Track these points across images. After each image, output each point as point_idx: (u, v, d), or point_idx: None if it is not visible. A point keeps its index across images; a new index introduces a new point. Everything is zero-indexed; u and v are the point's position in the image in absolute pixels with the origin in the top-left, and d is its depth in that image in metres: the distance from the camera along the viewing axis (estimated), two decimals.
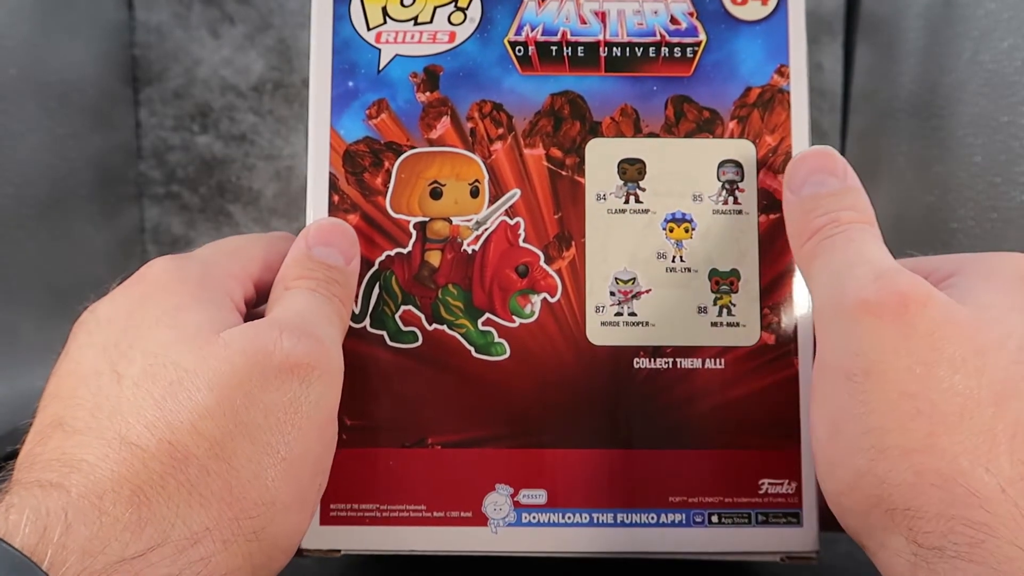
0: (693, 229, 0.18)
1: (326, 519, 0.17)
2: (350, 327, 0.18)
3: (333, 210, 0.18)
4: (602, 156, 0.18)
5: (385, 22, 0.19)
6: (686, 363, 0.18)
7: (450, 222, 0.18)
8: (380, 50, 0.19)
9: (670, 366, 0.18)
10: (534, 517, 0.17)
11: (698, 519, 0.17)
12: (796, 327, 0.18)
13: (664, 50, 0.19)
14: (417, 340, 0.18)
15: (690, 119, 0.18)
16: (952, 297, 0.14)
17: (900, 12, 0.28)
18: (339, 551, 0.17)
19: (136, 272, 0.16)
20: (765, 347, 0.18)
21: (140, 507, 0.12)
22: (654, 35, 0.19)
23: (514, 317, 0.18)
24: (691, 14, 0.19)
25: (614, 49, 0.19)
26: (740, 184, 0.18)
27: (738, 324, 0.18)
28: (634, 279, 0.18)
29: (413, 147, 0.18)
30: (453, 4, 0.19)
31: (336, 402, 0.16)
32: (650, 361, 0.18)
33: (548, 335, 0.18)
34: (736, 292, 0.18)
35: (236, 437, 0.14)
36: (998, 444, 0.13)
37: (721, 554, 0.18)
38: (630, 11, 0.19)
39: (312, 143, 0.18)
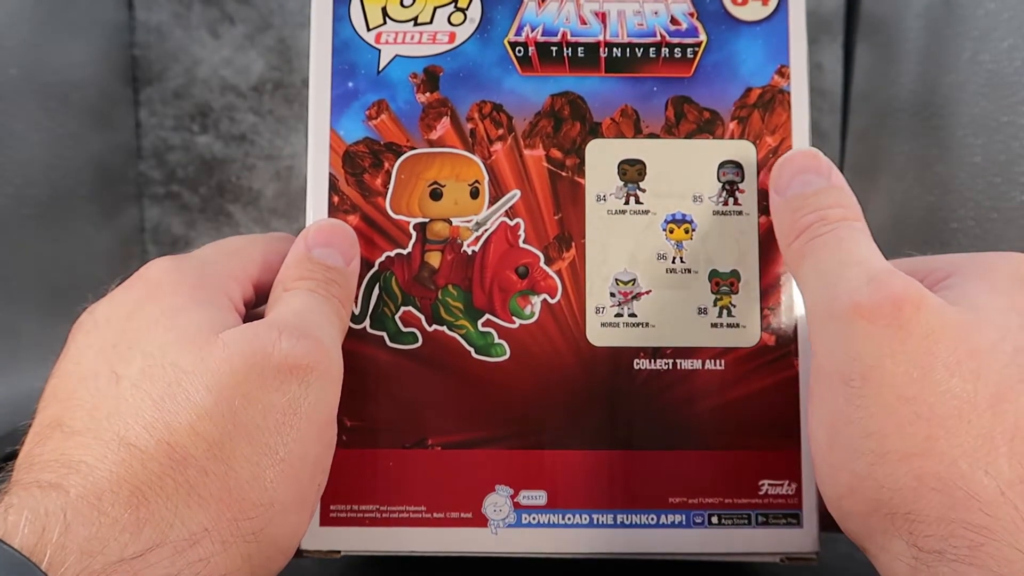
0: (693, 230, 0.18)
1: (326, 520, 0.17)
2: (350, 328, 0.18)
3: (333, 211, 0.18)
4: (602, 157, 0.18)
5: (385, 23, 0.19)
6: (686, 364, 0.18)
7: (450, 223, 0.18)
8: (380, 51, 0.19)
9: (670, 367, 0.18)
10: (534, 518, 0.17)
11: (698, 520, 0.17)
12: (796, 328, 0.18)
13: (664, 51, 0.18)
14: (417, 341, 0.18)
15: (690, 120, 0.18)
16: (948, 298, 0.14)
17: (900, 12, 0.28)
18: (339, 552, 0.17)
19: (135, 273, 0.16)
20: (765, 348, 0.18)
21: (139, 508, 0.12)
22: (654, 36, 0.19)
23: (514, 318, 0.18)
24: (691, 15, 0.19)
25: (614, 50, 0.18)
26: (740, 185, 0.18)
27: (738, 325, 0.18)
28: (634, 280, 0.18)
29: (413, 148, 0.18)
30: (453, 5, 0.19)
31: (335, 403, 0.16)
32: (650, 362, 0.18)
33: (548, 336, 0.18)
34: (736, 293, 0.18)
35: (235, 438, 0.14)
36: (997, 447, 0.13)
37: (721, 555, 0.18)
38: (630, 12, 0.19)
39: (312, 144, 0.18)
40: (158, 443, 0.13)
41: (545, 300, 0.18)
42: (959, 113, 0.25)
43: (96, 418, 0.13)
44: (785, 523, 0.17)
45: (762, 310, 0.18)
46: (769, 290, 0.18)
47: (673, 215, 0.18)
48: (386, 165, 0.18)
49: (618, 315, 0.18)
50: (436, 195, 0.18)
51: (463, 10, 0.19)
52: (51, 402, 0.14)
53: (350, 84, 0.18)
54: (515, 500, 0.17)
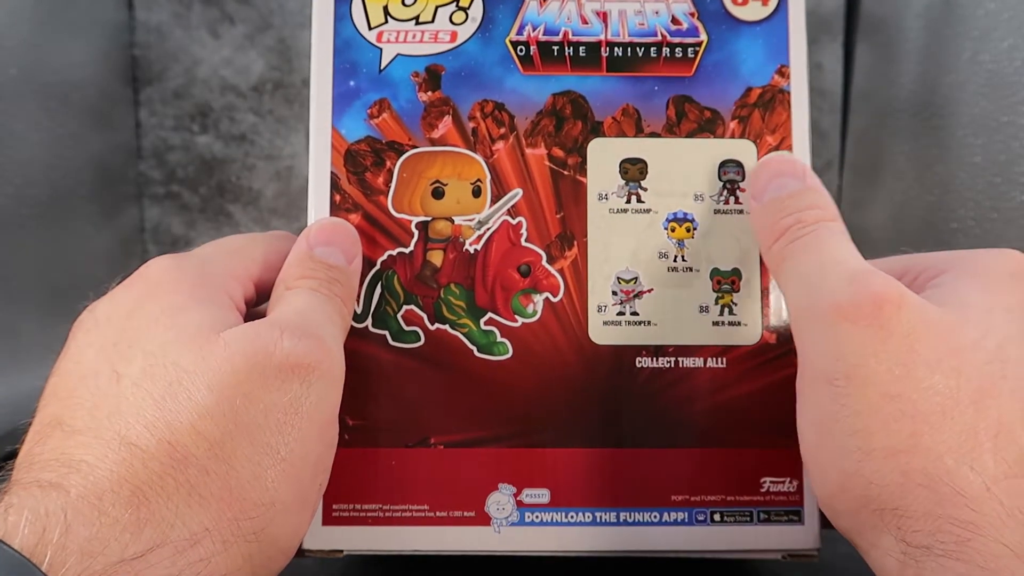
0: (694, 229, 0.18)
1: (328, 519, 0.17)
2: (352, 327, 0.18)
3: (335, 210, 0.18)
4: (604, 156, 0.18)
5: (386, 21, 0.19)
6: (688, 362, 0.18)
7: (452, 222, 0.18)
8: (381, 49, 0.19)
9: (672, 365, 0.18)
10: (537, 516, 0.17)
11: (700, 517, 0.17)
12: None
13: (665, 50, 0.19)
14: (419, 340, 0.18)
15: (691, 119, 0.18)
16: (935, 296, 0.14)
17: (900, 12, 0.28)
18: (342, 551, 0.17)
19: (135, 271, 0.16)
20: (766, 346, 0.18)
21: (139, 508, 0.12)
22: (655, 35, 0.19)
23: (516, 317, 0.18)
24: (692, 14, 0.19)
25: (615, 49, 0.19)
26: (741, 184, 0.18)
27: (740, 323, 0.18)
28: (636, 278, 0.18)
29: (415, 147, 0.18)
30: (455, 3, 0.19)
31: (337, 402, 0.16)
32: (652, 360, 0.18)
33: (550, 335, 0.18)
34: (737, 291, 0.18)
35: (236, 437, 0.13)
36: (981, 443, 0.13)
37: (723, 552, 0.18)
38: (631, 11, 0.19)
39: (313, 143, 0.18)
40: (159, 442, 0.13)
41: (547, 299, 0.18)
42: (959, 113, 0.25)
43: (97, 417, 0.13)
44: (786, 520, 0.17)
45: (763, 308, 0.18)
46: (770, 288, 0.18)
47: (674, 214, 0.18)
48: (388, 164, 0.18)
49: (620, 313, 0.18)
50: (438, 194, 0.18)
51: (465, 9, 0.19)
52: (51, 401, 0.14)
53: (352, 83, 0.18)
54: (518, 498, 0.17)
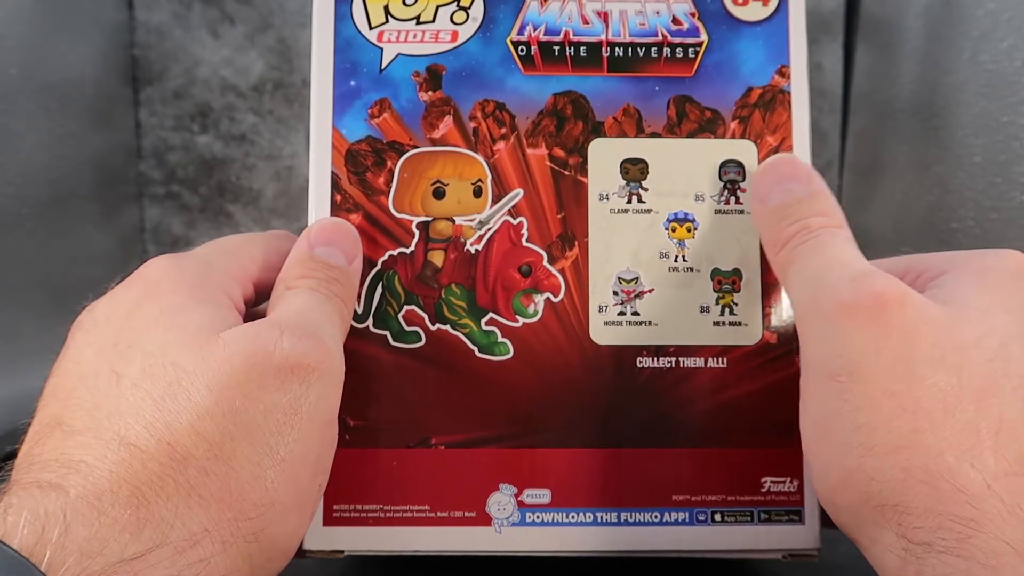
0: (695, 229, 0.18)
1: (329, 520, 0.17)
2: (353, 327, 0.18)
3: (335, 210, 0.18)
4: (605, 156, 0.18)
5: (387, 21, 0.19)
6: (688, 362, 0.18)
7: (453, 222, 0.18)
8: (382, 49, 0.19)
9: (673, 365, 0.18)
10: (538, 516, 0.17)
11: (701, 517, 0.17)
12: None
13: (666, 50, 0.19)
14: (420, 340, 0.18)
15: (692, 119, 0.18)
16: (937, 295, 0.15)
17: (900, 12, 0.28)
18: (342, 552, 0.17)
19: (135, 272, 0.16)
20: (767, 346, 0.18)
21: (139, 508, 0.12)
22: (656, 35, 0.19)
23: (517, 317, 0.18)
24: (693, 14, 0.19)
25: (616, 49, 0.19)
26: (742, 184, 0.18)
27: (740, 323, 0.18)
28: (637, 279, 0.18)
29: (416, 147, 0.18)
30: (455, 3, 0.19)
31: (337, 403, 0.16)
32: (653, 360, 0.18)
33: (551, 335, 0.18)
34: (738, 291, 0.18)
35: (235, 438, 0.13)
36: (982, 440, 0.13)
37: (723, 552, 0.18)
38: (632, 11, 0.19)
39: (314, 142, 0.18)
40: (158, 443, 0.13)
41: (548, 299, 0.18)
42: (959, 113, 0.25)
43: (96, 417, 0.13)
44: (787, 520, 0.17)
45: (764, 308, 0.18)
46: (771, 288, 0.18)
47: (675, 214, 0.18)
48: (389, 164, 0.18)
49: (621, 314, 0.18)
50: (439, 194, 0.18)
51: (465, 9, 0.19)
52: (51, 401, 0.14)
53: (352, 83, 0.18)
54: (519, 499, 0.17)
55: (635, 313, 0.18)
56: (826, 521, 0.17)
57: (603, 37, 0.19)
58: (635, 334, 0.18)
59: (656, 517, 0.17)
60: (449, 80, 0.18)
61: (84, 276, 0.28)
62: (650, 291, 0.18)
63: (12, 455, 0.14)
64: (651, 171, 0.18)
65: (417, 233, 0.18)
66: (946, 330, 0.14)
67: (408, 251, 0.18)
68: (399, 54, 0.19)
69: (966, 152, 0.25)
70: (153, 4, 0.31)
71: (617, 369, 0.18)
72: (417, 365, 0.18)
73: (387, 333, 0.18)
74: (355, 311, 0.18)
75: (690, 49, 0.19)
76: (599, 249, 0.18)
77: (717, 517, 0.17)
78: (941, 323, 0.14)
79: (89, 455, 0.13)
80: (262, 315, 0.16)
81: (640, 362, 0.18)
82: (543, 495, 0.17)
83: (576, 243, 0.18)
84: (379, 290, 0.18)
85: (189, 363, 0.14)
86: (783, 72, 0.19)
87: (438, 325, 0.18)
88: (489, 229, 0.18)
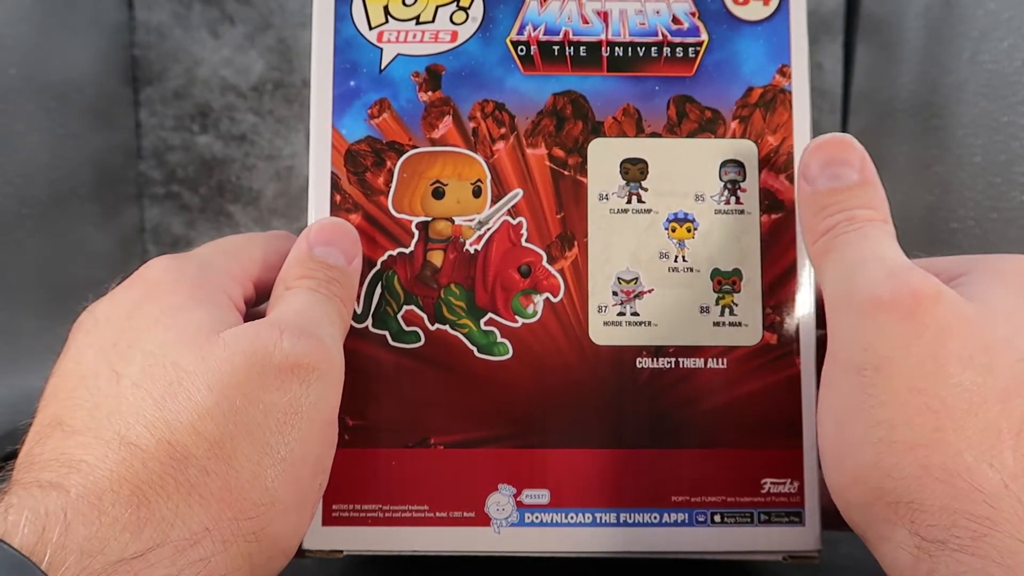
0: (695, 229, 0.18)
1: (328, 520, 0.17)
2: (352, 327, 0.18)
3: (335, 210, 0.18)
4: (604, 156, 0.18)
5: (387, 21, 0.19)
6: (688, 363, 0.18)
7: (452, 222, 0.18)
8: (382, 49, 0.19)
9: (672, 366, 0.18)
10: (537, 517, 0.17)
11: (700, 518, 0.17)
12: (798, 327, 0.18)
13: (666, 50, 0.19)
14: (419, 340, 0.18)
15: (692, 119, 0.18)
16: (962, 295, 0.14)
17: (900, 12, 0.28)
18: (341, 552, 0.17)
19: (135, 272, 0.16)
20: (767, 347, 0.18)
21: (139, 507, 0.12)
22: (656, 35, 0.19)
23: (517, 317, 0.18)
24: (693, 14, 0.19)
25: (616, 49, 0.19)
26: (742, 184, 0.18)
27: (740, 324, 0.18)
28: (636, 279, 0.18)
29: (415, 147, 0.18)
30: (455, 3, 0.19)
31: (336, 402, 0.16)
32: (652, 361, 0.18)
33: (551, 335, 0.18)
34: (738, 292, 0.18)
35: (236, 437, 0.13)
36: (1003, 440, 0.13)
37: (723, 553, 0.17)
38: (632, 11, 0.19)
39: (314, 142, 0.18)
40: (159, 442, 0.13)
41: (547, 299, 0.18)
42: (959, 113, 0.25)
43: (96, 417, 0.13)
44: (787, 521, 0.17)
45: (764, 309, 0.18)
46: (771, 289, 0.18)
47: (675, 214, 0.18)
48: (388, 164, 0.18)
49: (620, 314, 0.18)
50: (438, 194, 0.18)
51: (465, 9, 0.19)
52: (51, 401, 0.14)
53: (352, 83, 0.18)
54: (518, 499, 0.17)
55: (635, 313, 0.18)
56: (826, 522, 0.17)
57: (603, 37, 0.19)
58: (635, 334, 0.18)
59: (655, 518, 0.17)
60: (449, 80, 0.18)
61: (84, 276, 0.28)
62: (650, 291, 0.18)
63: (13, 455, 0.14)
64: (651, 171, 0.18)
65: (416, 233, 0.18)
66: (978, 329, 0.14)
67: (407, 251, 0.18)
68: (399, 54, 0.19)
69: (966, 152, 0.25)
70: (153, 4, 0.31)
71: (617, 369, 0.18)
72: (416, 365, 0.18)
73: (386, 333, 0.18)
74: (355, 311, 0.18)
75: (690, 49, 0.19)
76: (599, 249, 0.18)
77: (717, 518, 0.17)
78: (973, 321, 0.14)
79: (90, 455, 0.13)
80: (262, 315, 0.16)
81: (640, 362, 0.18)
82: (542, 495, 0.17)
83: (575, 243, 0.18)
84: (378, 290, 0.18)
85: (189, 363, 0.14)
86: (784, 71, 0.19)
87: (437, 325, 0.18)
88: (488, 229, 0.18)
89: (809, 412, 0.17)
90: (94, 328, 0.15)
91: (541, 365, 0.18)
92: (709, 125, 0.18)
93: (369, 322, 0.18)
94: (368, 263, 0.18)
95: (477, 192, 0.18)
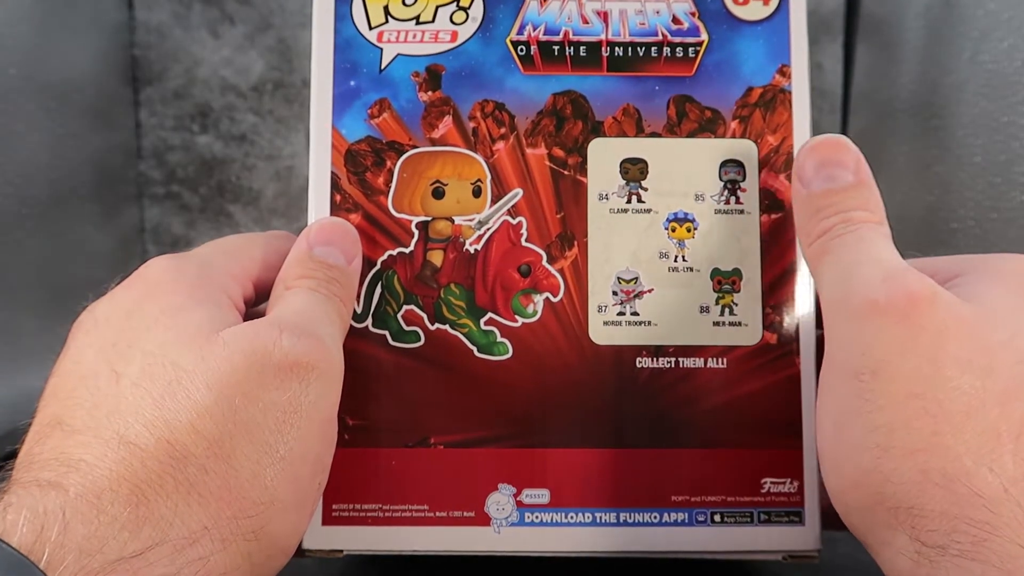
0: (695, 229, 0.18)
1: (328, 519, 0.17)
2: (352, 327, 0.18)
3: (335, 209, 0.18)
4: (604, 156, 0.18)
5: (387, 21, 0.19)
6: (688, 362, 0.18)
7: (452, 222, 0.18)
8: (382, 49, 0.19)
9: (672, 365, 0.18)
10: (537, 517, 0.17)
11: (700, 518, 0.17)
12: (798, 327, 0.18)
13: (666, 50, 0.19)
14: (419, 340, 0.18)
15: (692, 119, 0.18)
16: (959, 296, 0.14)
17: (900, 12, 0.28)
18: (341, 551, 0.17)
19: (135, 272, 0.16)
20: (767, 346, 0.18)
21: (138, 506, 0.12)
22: (656, 35, 0.19)
23: (516, 317, 0.18)
24: (693, 14, 0.19)
25: (616, 49, 0.19)
26: (742, 184, 0.18)
27: (740, 323, 0.18)
28: (636, 279, 0.18)
29: (415, 146, 0.18)
30: (455, 3, 0.19)
31: (336, 401, 0.16)
32: (652, 360, 0.18)
33: (551, 335, 0.18)
34: (738, 292, 0.18)
35: (235, 436, 0.13)
36: (1002, 444, 0.13)
37: (723, 553, 0.17)
38: (632, 11, 0.19)
39: (314, 142, 0.18)
40: (158, 441, 0.13)
41: (547, 299, 0.18)
42: (959, 113, 0.25)
43: (96, 416, 0.13)
44: (787, 521, 0.17)
45: (764, 308, 0.18)
46: (771, 289, 0.18)
47: (675, 214, 0.18)
48: (388, 164, 0.18)
49: (620, 314, 0.18)
50: (438, 194, 0.18)
51: (465, 9, 0.19)
52: (51, 401, 0.14)
53: (352, 83, 0.18)
54: (518, 499, 0.17)
55: (635, 313, 0.18)
56: (826, 522, 0.17)
57: (603, 37, 0.19)
58: (634, 334, 0.18)
59: (655, 517, 0.17)
60: (448, 80, 0.18)
61: (84, 276, 0.28)
62: (650, 291, 0.18)
63: (13, 454, 0.14)
64: (651, 171, 0.18)
65: (416, 233, 0.18)
66: (976, 331, 0.13)
67: (407, 251, 0.18)
68: (399, 54, 0.19)
69: (966, 152, 0.25)
70: (153, 4, 0.31)
71: (616, 369, 0.18)
72: (416, 365, 0.18)
73: (386, 333, 0.18)
74: (354, 311, 0.18)
75: (690, 48, 0.19)
76: (598, 249, 0.18)
77: (717, 518, 0.17)
78: (971, 323, 0.14)
79: (89, 454, 0.13)
80: (262, 315, 0.16)
81: (639, 362, 0.18)
82: (542, 495, 0.17)
83: (575, 243, 0.18)
84: (378, 290, 0.18)
85: (189, 362, 0.14)
86: (784, 71, 0.19)
87: (437, 325, 0.18)
88: (488, 229, 0.18)
89: (809, 412, 0.17)
90: (94, 328, 0.15)
91: (541, 365, 0.18)
92: (709, 125, 0.18)
93: (369, 322, 0.18)
94: (368, 263, 0.18)
95: (477, 192, 0.18)
